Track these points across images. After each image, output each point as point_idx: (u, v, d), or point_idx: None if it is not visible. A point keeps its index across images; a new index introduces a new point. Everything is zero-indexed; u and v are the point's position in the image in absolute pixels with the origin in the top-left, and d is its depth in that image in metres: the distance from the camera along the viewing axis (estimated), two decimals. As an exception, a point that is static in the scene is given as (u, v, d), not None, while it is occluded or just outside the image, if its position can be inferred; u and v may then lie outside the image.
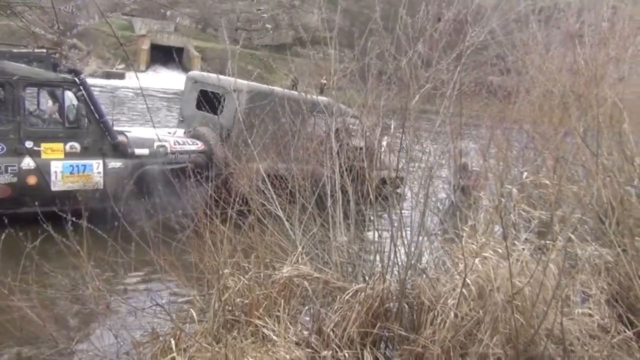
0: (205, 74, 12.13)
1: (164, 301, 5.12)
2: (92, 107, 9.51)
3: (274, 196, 6.21)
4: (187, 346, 4.75)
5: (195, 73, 12.64)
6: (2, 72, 8.71)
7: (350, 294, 4.94)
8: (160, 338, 4.97)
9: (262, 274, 5.20)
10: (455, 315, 4.91)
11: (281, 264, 5.45)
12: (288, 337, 4.61)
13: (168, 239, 5.69)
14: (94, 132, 9.57)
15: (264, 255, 5.49)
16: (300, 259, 5.31)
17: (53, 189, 9.09)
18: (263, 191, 6.47)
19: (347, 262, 5.65)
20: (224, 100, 11.34)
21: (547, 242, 5.86)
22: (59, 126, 9.38)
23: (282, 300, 4.84)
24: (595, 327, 5.28)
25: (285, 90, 9.25)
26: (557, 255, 5.44)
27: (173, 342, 4.73)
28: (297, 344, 4.64)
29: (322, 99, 8.34)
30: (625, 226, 6.69)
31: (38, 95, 9.51)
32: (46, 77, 9.21)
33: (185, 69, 39.17)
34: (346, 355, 4.60)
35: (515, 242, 5.65)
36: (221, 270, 5.06)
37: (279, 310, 4.79)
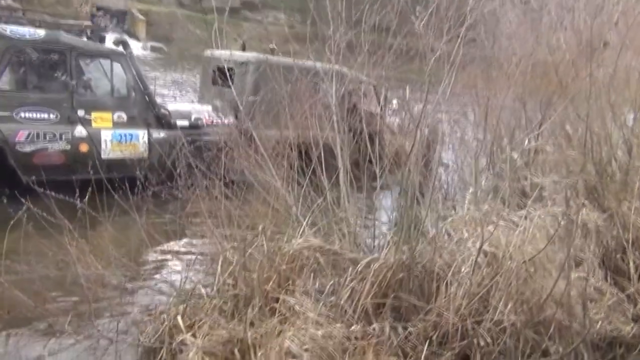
0: (219, 50, 10.38)
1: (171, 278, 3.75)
2: (137, 79, 8.08)
3: (271, 165, 4.67)
4: (194, 322, 3.41)
5: (210, 51, 10.89)
6: (57, 42, 7.34)
7: (362, 266, 3.57)
8: (164, 315, 3.58)
9: (267, 247, 3.78)
10: (470, 283, 3.69)
11: (282, 236, 4.04)
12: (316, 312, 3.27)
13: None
14: (139, 103, 8.13)
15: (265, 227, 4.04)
16: (306, 231, 3.89)
17: (103, 156, 7.68)
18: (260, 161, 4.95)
19: (356, 232, 4.22)
20: (235, 74, 9.73)
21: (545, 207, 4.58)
22: (108, 96, 7.92)
23: (294, 274, 3.50)
24: (592, 290, 4.31)
25: (294, 60, 7.67)
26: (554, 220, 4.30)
27: (180, 319, 3.38)
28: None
29: (332, 66, 6.72)
30: (610, 191, 5.34)
31: (88, 66, 7.87)
32: (96, 48, 7.82)
33: (130, 33, 29.95)
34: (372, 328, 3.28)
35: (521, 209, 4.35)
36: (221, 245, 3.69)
37: (290, 285, 3.47)
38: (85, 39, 7.83)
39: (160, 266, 4.29)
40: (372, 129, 5.41)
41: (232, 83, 9.47)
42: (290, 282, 3.53)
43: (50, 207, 3.61)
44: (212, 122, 8.95)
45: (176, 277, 4.03)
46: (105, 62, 7.83)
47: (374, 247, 4.29)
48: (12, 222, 3.37)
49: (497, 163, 5.02)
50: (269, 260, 3.57)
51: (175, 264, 4.38)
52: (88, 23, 8.30)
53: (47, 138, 7.19)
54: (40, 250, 3.60)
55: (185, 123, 8.60)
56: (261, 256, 3.58)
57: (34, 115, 7.13)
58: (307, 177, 4.62)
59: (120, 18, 29.79)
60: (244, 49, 10.46)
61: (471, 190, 4.65)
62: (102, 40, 8.02)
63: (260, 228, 3.77)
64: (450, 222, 4.42)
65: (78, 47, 7.50)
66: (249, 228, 4.17)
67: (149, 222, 4.16)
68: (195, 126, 8.72)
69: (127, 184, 4.49)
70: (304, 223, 3.81)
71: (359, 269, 3.52)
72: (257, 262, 3.62)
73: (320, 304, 3.35)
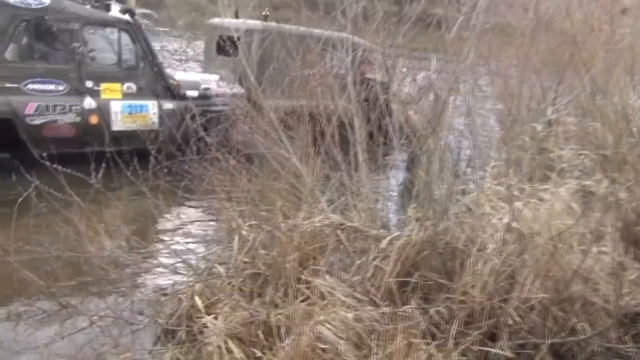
0: (223, 19, 9.88)
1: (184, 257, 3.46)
2: (146, 49, 7.64)
3: (284, 138, 4.36)
4: (212, 302, 3.16)
5: (215, 20, 10.36)
6: (62, 11, 6.91)
7: (385, 243, 3.30)
8: (181, 295, 3.32)
9: (285, 224, 3.47)
10: (496, 261, 3.41)
11: (298, 212, 3.73)
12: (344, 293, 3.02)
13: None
14: (148, 73, 7.71)
15: (281, 203, 3.74)
16: (324, 207, 3.60)
17: (113, 128, 7.31)
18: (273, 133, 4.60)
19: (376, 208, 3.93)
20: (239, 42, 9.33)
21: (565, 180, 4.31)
22: (116, 67, 7.50)
23: (315, 252, 3.24)
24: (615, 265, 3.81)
25: (300, 28, 7.24)
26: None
27: (198, 299, 3.13)
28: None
29: (340, 34, 6.33)
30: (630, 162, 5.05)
31: (95, 36, 7.44)
32: (103, 17, 7.34)
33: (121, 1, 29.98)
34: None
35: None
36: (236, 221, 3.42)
37: (311, 263, 3.21)
38: (89, 7, 7.37)
39: (172, 243, 4.00)
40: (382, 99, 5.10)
41: (238, 52, 9.10)
42: (311, 260, 3.27)
43: (60, 183, 3.32)
44: (221, 92, 8.51)
45: (190, 256, 3.74)
46: (113, 32, 7.41)
47: (390, 223, 3.99)
48: (20, 200, 3.07)
49: (518, 135, 4.70)
50: (287, 238, 3.29)
51: (188, 241, 4.08)
52: None
53: (57, 110, 6.86)
54: (52, 228, 3.33)
55: (194, 93, 8.20)
56: (279, 233, 3.29)
57: (42, 86, 6.78)
58: (322, 150, 4.31)
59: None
60: (237, 16, 10.02)
61: (492, 163, 4.34)
62: (108, 8, 7.55)
63: (277, 205, 3.46)
64: (471, 197, 4.13)
65: (84, 16, 7.09)
66: (263, 203, 3.91)
67: (160, 197, 3.86)
68: (204, 96, 8.31)
69: (137, 157, 4.22)
70: (323, 199, 3.52)
71: (382, 247, 3.24)
72: (275, 239, 3.35)
73: (347, 284, 3.08)
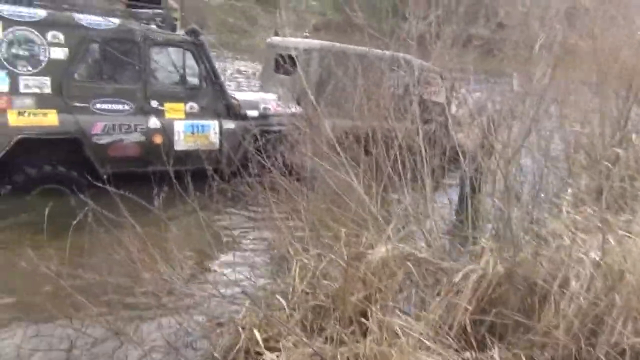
0: (282, 38, 9.63)
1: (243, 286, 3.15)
2: (209, 68, 7.48)
3: (345, 160, 3.99)
4: (271, 336, 2.82)
5: (274, 39, 10.14)
6: (131, 32, 6.84)
7: (460, 277, 2.90)
8: (237, 327, 2.98)
9: (348, 253, 3.06)
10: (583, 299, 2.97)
11: (358, 240, 3.32)
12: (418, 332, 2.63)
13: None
14: (210, 93, 7.54)
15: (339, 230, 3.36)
16: (391, 235, 3.20)
17: (176, 148, 7.15)
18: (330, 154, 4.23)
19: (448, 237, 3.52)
20: (298, 62, 9.06)
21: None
22: (180, 86, 7.35)
23: (382, 285, 2.87)
24: None
25: (359, 48, 6.89)
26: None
27: (256, 332, 2.80)
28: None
29: (401, 55, 5.98)
30: None
31: (161, 55, 7.31)
32: (169, 37, 7.22)
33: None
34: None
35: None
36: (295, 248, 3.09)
37: (378, 297, 2.84)
38: (155, 27, 7.29)
39: (229, 270, 3.70)
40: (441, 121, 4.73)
41: (296, 71, 8.84)
42: (377, 293, 2.90)
43: (116, 204, 3.09)
44: (280, 111, 8.21)
45: (246, 283, 3.42)
46: (178, 52, 7.30)
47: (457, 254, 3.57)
48: (75, 222, 2.85)
49: (598, 160, 4.21)
50: (353, 268, 2.94)
51: (245, 268, 3.74)
52: (159, 11, 7.68)
53: (123, 130, 6.78)
54: (107, 252, 3.09)
55: (254, 113, 8.01)
56: (342, 262, 2.94)
57: (109, 106, 6.74)
58: (384, 174, 3.94)
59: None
60: (276, 34, 9.76)
61: (570, 190, 3.88)
62: (173, 28, 7.49)
63: (342, 233, 3.10)
64: (549, 227, 3.67)
65: (151, 36, 7.01)
66: (323, 229, 3.57)
67: (216, 220, 3.58)
68: (264, 116, 8.10)
69: (197, 177, 3.99)
70: (390, 227, 3.15)
71: (456, 281, 2.85)
72: (337, 269, 3.01)
73: (422, 322, 2.70)
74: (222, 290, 3.20)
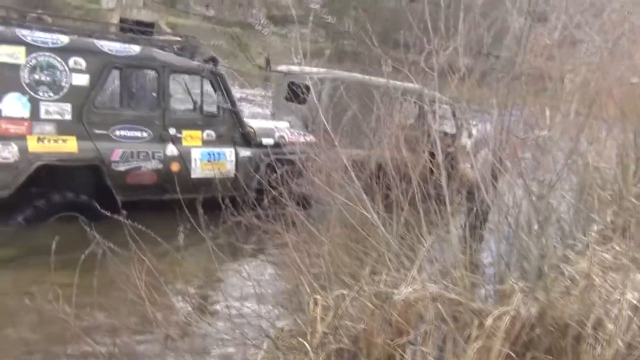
0: (292, 67, 9.40)
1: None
2: (226, 96, 7.28)
3: (364, 196, 3.71)
4: None
5: (284, 67, 9.95)
6: (151, 59, 6.69)
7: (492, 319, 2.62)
8: None
9: (371, 293, 2.81)
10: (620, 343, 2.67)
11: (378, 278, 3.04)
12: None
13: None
14: (227, 120, 7.36)
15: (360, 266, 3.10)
16: (418, 274, 2.91)
17: (192, 176, 6.95)
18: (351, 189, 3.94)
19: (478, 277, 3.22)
20: (309, 90, 8.85)
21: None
22: (198, 114, 7.17)
23: (410, 326, 2.59)
24: None
25: (371, 77, 6.68)
26: None
27: None
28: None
29: (411, 85, 5.79)
30: None
31: (179, 83, 7.19)
32: (188, 65, 7.04)
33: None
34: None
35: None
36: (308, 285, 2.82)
37: (405, 339, 2.56)
38: (172, 54, 7.12)
39: (242, 306, 3.40)
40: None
41: (307, 100, 8.64)
42: (404, 335, 2.63)
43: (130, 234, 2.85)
44: (295, 139, 7.98)
45: (262, 322, 3.14)
46: (196, 79, 7.15)
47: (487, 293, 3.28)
48: (82, 259, 2.60)
49: (624, 195, 3.94)
50: (378, 308, 2.67)
51: (259, 306, 3.43)
52: (178, 38, 7.55)
53: (141, 157, 6.60)
54: (117, 289, 2.84)
55: (270, 141, 7.79)
56: (367, 302, 2.67)
57: (128, 133, 6.57)
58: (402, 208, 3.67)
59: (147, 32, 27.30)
60: (268, 63, 9.61)
61: (595, 227, 3.59)
62: (192, 56, 7.30)
63: (365, 271, 2.83)
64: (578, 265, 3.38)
65: (171, 63, 6.86)
66: (339, 265, 3.30)
67: (230, 254, 3.32)
68: (279, 144, 7.82)
69: (212, 206, 3.77)
70: (415, 266, 2.87)
71: (489, 324, 2.57)
72: (359, 309, 2.73)
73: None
74: (238, 331, 2.93)
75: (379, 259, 3.33)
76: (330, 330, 2.68)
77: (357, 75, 8.17)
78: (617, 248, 3.55)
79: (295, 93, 8.87)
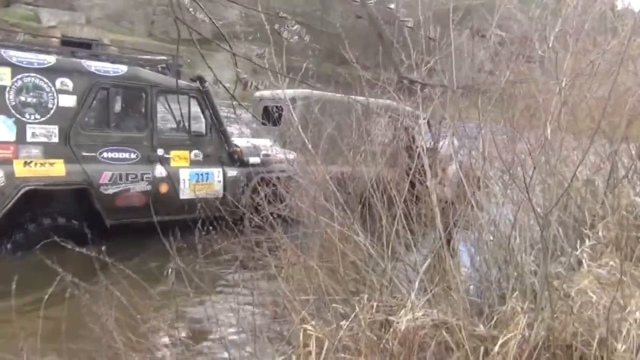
0: (266, 91, 9.12)
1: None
2: (213, 115, 6.97)
3: (351, 216, 3.43)
4: None
5: (259, 93, 9.64)
6: (138, 79, 6.35)
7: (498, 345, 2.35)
8: None
9: (367, 322, 2.50)
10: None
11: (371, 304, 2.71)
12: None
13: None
14: (214, 140, 7.03)
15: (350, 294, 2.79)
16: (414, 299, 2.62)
17: (181, 197, 6.60)
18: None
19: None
20: (282, 111, 8.54)
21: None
22: (185, 134, 6.82)
23: (413, 356, 2.31)
24: None
25: (343, 95, 6.47)
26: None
27: None
28: None
29: (383, 101, 5.55)
30: None
31: (166, 103, 6.79)
32: (174, 84, 6.69)
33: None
34: None
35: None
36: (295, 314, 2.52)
37: None
38: (158, 74, 6.78)
39: (227, 339, 3.04)
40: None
41: (281, 121, 8.38)
42: None
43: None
44: (279, 158, 7.60)
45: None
46: (183, 99, 6.78)
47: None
48: (46, 297, 2.26)
49: (615, 208, 3.70)
50: (375, 338, 2.37)
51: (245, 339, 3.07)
52: (164, 57, 7.18)
53: (129, 179, 6.24)
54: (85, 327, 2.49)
55: (256, 160, 7.47)
56: (369, 333, 2.37)
57: (116, 155, 6.22)
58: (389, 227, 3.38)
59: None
60: (245, 83, 9.30)
61: (588, 242, 3.35)
62: (178, 75, 6.97)
63: (364, 299, 2.53)
64: (570, 282, 3.12)
65: (158, 83, 6.53)
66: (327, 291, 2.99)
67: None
68: (265, 163, 7.56)
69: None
70: (412, 292, 2.59)
71: (496, 350, 2.29)
72: (354, 339, 2.43)
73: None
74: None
75: (369, 284, 3.04)
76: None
77: (332, 94, 7.89)
78: (612, 263, 3.32)
79: (270, 115, 8.67)
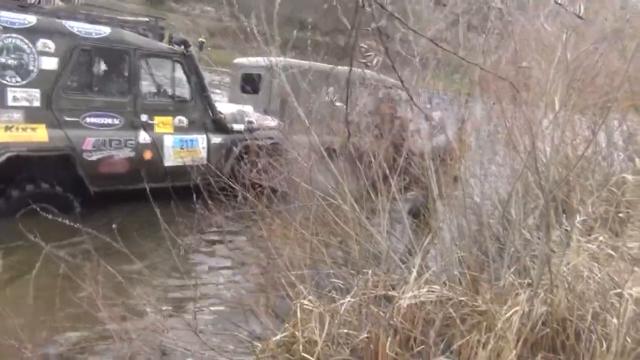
0: (247, 58, 8.79)
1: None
2: (198, 81, 6.54)
3: (346, 189, 3.22)
4: None
5: (238, 60, 9.28)
6: (122, 41, 5.87)
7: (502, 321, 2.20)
8: None
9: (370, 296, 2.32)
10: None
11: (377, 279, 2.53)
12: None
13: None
14: (199, 106, 6.61)
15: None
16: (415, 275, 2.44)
17: (166, 164, 6.23)
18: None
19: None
20: (262, 79, 8.23)
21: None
22: (169, 99, 6.40)
23: (416, 332, 2.15)
24: None
25: (324, 64, 6.17)
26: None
27: None
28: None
29: (364, 72, 5.34)
30: None
31: (150, 67, 6.33)
32: (158, 47, 6.23)
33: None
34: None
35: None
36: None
37: (413, 345, 2.12)
38: (141, 36, 6.25)
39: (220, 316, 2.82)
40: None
41: (260, 89, 8.10)
42: (411, 341, 2.18)
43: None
44: (264, 124, 7.35)
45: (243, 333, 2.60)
46: (167, 63, 6.36)
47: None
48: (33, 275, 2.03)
49: (604, 185, 3.57)
50: (381, 313, 2.20)
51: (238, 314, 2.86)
52: (145, 19, 6.66)
53: (113, 145, 5.83)
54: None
55: (241, 127, 7.08)
56: (374, 308, 2.19)
57: (99, 120, 5.78)
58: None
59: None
60: (201, 47, 8.97)
61: (579, 217, 3.21)
62: (160, 38, 6.46)
63: (368, 274, 2.34)
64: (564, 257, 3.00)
65: (142, 46, 6.04)
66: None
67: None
68: (250, 130, 7.09)
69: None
70: (414, 267, 2.41)
71: (499, 326, 2.14)
72: (356, 314, 2.25)
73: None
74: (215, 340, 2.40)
75: (365, 257, 2.85)
76: (329, 341, 2.20)
77: (311, 63, 7.56)
78: (601, 239, 3.21)
79: (249, 83, 8.29)
